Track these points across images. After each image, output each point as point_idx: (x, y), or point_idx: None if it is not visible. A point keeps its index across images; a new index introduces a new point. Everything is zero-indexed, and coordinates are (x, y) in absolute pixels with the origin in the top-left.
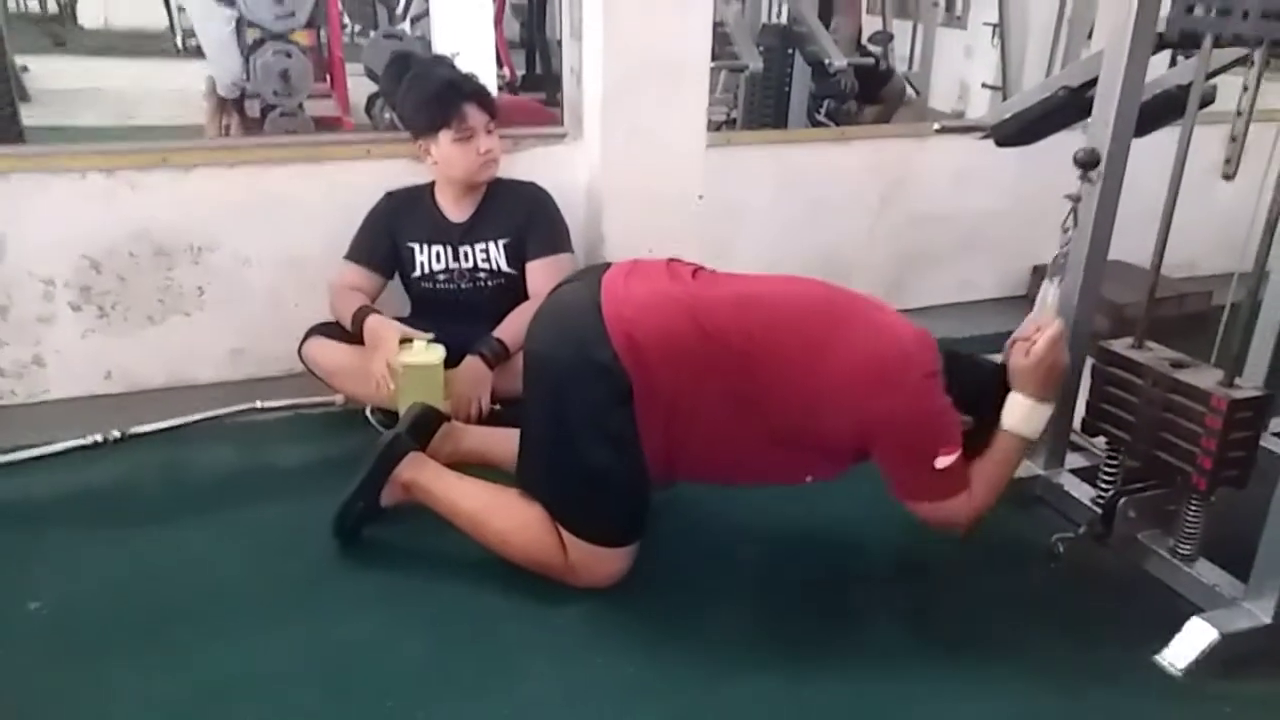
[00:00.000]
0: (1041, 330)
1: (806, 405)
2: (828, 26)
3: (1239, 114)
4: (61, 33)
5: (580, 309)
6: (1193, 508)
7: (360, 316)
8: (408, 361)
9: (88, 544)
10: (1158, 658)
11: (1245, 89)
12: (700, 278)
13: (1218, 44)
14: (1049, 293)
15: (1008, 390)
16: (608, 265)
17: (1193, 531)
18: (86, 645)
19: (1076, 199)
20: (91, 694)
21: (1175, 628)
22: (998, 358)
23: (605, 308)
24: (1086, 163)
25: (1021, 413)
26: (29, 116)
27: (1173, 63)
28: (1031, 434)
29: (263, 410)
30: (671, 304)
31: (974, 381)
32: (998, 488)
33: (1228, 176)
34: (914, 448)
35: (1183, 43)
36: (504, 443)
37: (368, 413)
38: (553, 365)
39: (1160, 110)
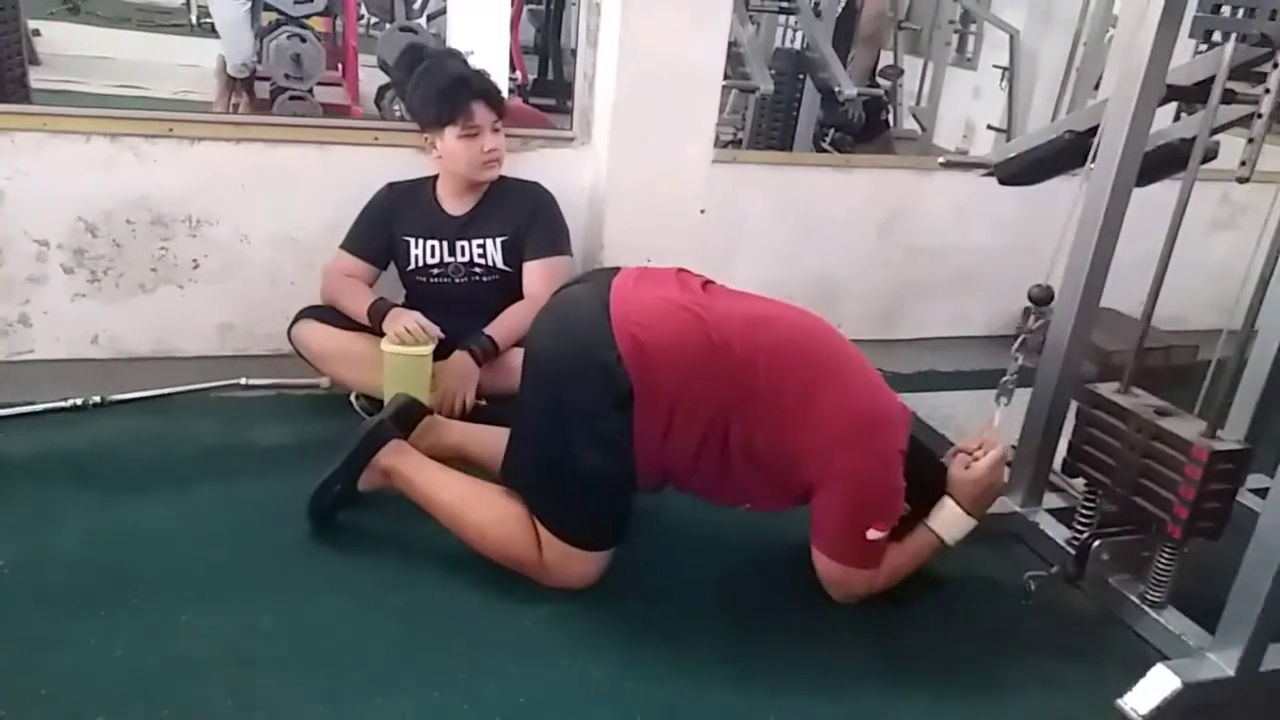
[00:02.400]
0: (985, 448)
1: (786, 433)
2: (847, 57)
3: (1258, 115)
4: (76, 1)
5: (588, 310)
6: (1166, 555)
7: (382, 309)
8: (396, 350)
9: (57, 507)
10: (1120, 702)
11: (1267, 91)
12: (710, 290)
13: (1242, 42)
14: (995, 415)
15: (942, 492)
16: (617, 269)
17: (1164, 579)
18: (44, 609)
19: (1027, 332)
20: (43, 658)
21: (1140, 673)
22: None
23: (613, 310)
24: (1040, 299)
25: (950, 519)
26: (38, 80)
27: (1177, 117)
28: (950, 541)
29: (247, 387)
30: (680, 312)
31: (923, 474)
32: (899, 577)
33: (1242, 179)
34: (857, 511)
35: (1195, 97)
36: (484, 440)
37: (352, 398)
38: (554, 363)
39: (1162, 162)
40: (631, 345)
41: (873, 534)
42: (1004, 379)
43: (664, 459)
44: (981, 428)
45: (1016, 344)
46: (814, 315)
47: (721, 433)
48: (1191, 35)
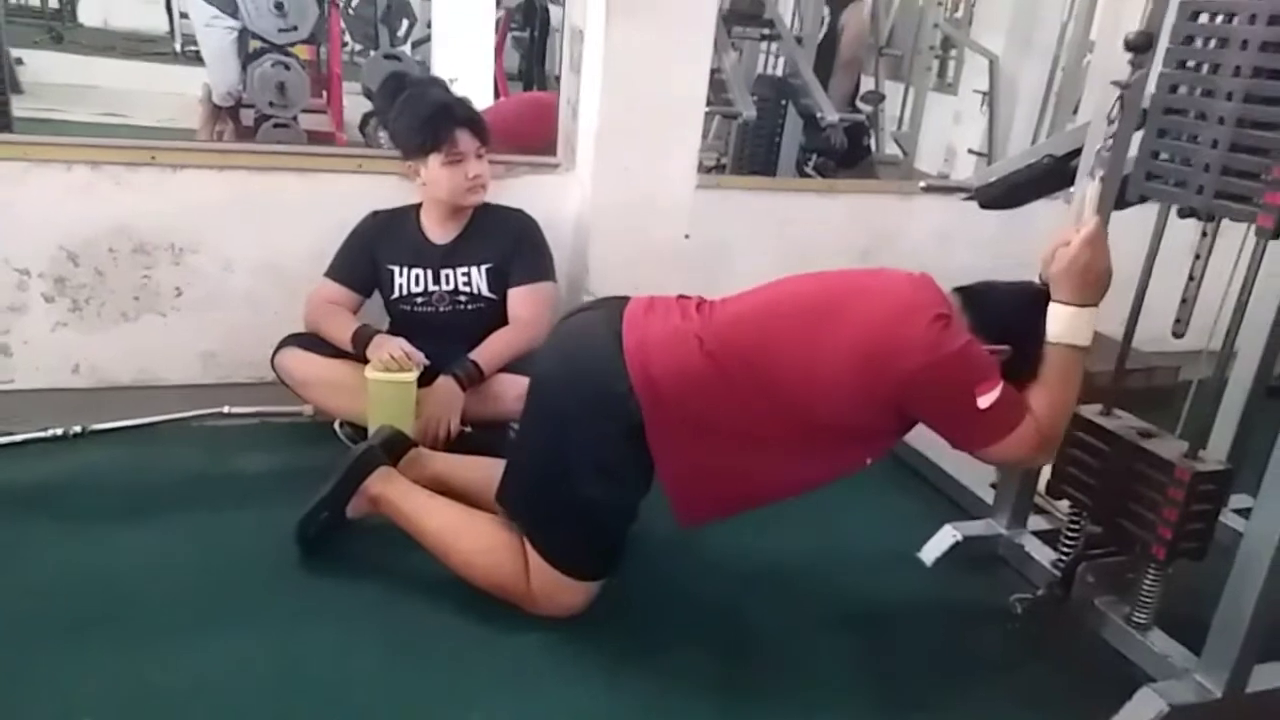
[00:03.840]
0: (1079, 230)
1: (827, 396)
2: (826, 84)
3: (1191, 279)
4: (60, 29)
5: (600, 340)
6: (1150, 577)
7: (366, 335)
8: (380, 377)
9: (37, 538)
10: None
11: (1198, 257)
12: (703, 309)
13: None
14: (1088, 189)
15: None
16: (626, 299)
17: (1149, 600)
18: (22, 641)
19: (1125, 85)
20: (19, 691)
21: (1126, 695)
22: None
23: (627, 341)
24: (1138, 45)
25: (1064, 321)
26: (20, 108)
27: None
28: (1082, 341)
29: (229, 416)
30: (682, 339)
31: (1005, 306)
32: (1064, 404)
33: (1177, 335)
34: (949, 397)
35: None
36: (468, 471)
37: (336, 426)
38: (565, 391)
39: None
40: (643, 378)
41: (984, 400)
42: (1099, 148)
43: (705, 483)
44: (1074, 212)
45: (1113, 107)
46: (794, 279)
47: (781, 423)
48: (1130, 200)
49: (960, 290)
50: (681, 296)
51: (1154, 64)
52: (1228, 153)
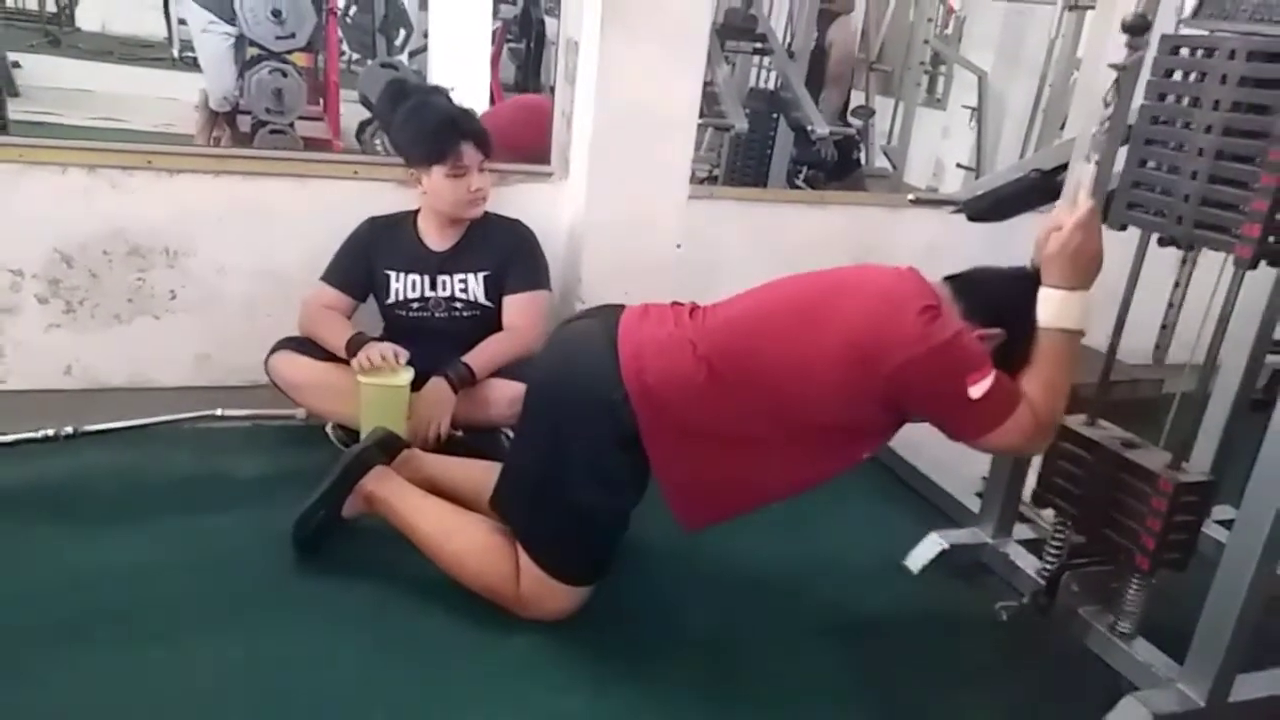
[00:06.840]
0: (1073, 213)
1: (820, 395)
2: (818, 98)
3: (1170, 305)
4: (57, 33)
5: (595, 347)
6: (1134, 586)
7: (359, 343)
8: (373, 381)
9: (28, 539)
10: None
11: (1177, 285)
12: (696, 315)
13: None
14: (1084, 173)
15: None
16: (621, 307)
17: (1133, 610)
18: (12, 643)
19: (1121, 68)
20: (9, 695)
21: (1110, 704)
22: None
23: (621, 349)
24: (1135, 27)
25: (1055, 305)
26: (17, 111)
27: None
28: (1074, 324)
29: (223, 418)
30: (676, 345)
31: (997, 292)
32: (1059, 388)
33: (1158, 361)
34: (939, 389)
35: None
36: (462, 473)
37: (328, 429)
38: (560, 398)
39: None
40: (638, 385)
41: (976, 389)
42: (1094, 131)
43: (702, 487)
44: (1069, 195)
45: (1109, 89)
46: (780, 282)
47: (776, 424)
48: (1110, 226)
49: (951, 279)
50: (675, 304)
51: (1150, 48)
52: (1207, 184)
